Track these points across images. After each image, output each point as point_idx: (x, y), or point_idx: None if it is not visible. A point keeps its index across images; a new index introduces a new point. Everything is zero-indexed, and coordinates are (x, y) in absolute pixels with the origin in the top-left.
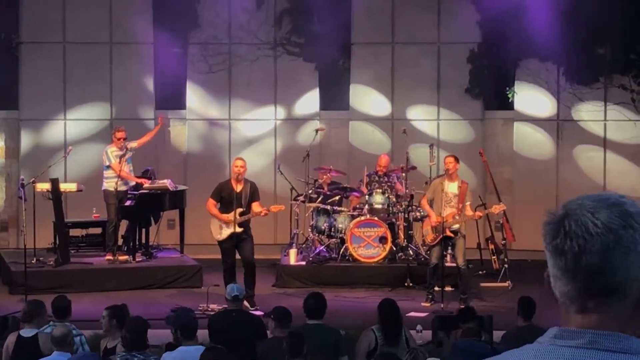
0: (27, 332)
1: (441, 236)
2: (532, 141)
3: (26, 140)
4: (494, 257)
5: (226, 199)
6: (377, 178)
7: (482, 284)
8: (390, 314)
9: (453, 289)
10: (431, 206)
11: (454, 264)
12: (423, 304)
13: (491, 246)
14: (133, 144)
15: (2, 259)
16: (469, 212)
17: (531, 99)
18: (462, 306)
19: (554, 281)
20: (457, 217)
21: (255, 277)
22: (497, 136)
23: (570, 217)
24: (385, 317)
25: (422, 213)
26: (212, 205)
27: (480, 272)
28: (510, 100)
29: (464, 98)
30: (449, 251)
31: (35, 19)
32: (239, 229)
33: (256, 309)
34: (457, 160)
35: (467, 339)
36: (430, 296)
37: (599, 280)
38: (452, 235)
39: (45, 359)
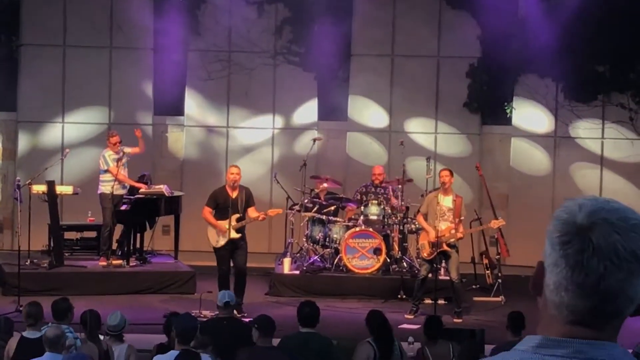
0: (31, 333)
1: (437, 251)
2: (529, 157)
3: (23, 142)
4: (487, 271)
5: (222, 205)
6: (373, 189)
7: (475, 299)
8: (380, 325)
9: (446, 302)
10: (426, 220)
11: (447, 277)
12: (406, 315)
13: (485, 261)
14: (127, 150)
15: None
16: (459, 232)
17: (529, 114)
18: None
19: (555, 290)
20: (453, 232)
21: (245, 285)
22: (494, 151)
23: (598, 233)
24: (376, 328)
25: (417, 226)
26: (208, 212)
27: (473, 287)
28: (508, 116)
29: (462, 112)
30: (443, 265)
31: (35, 22)
32: (236, 235)
33: (243, 316)
34: (452, 173)
35: None
36: (415, 308)
37: (613, 303)
38: (448, 249)
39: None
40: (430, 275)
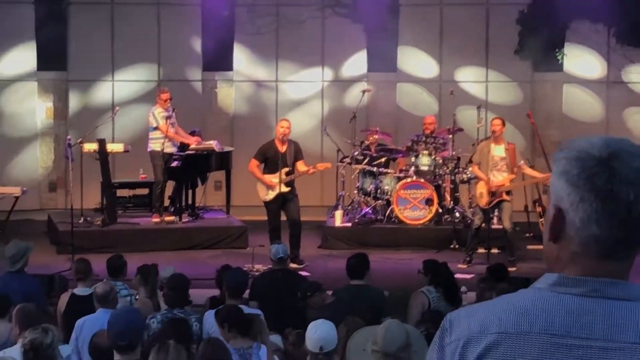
0: (81, 290)
1: (497, 200)
2: (581, 103)
3: (74, 101)
4: (541, 219)
5: (271, 159)
6: (424, 139)
7: (529, 247)
8: (443, 272)
9: (499, 251)
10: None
11: (500, 227)
12: (460, 265)
13: (538, 209)
14: (184, 138)
15: (50, 219)
16: (532, 172)
17: (581, 60)
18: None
19: (584, 226)
20: (514, 181)
21: (300, 237)
22: (546, 98)
23: (619, 162)
24: (440, 275)
25: (468, 175)
26: (254, 166)
27: (527, 235)
28: (559, 62)
29: (513, 59)
30: (496, 214)
31: None
32: (285, 189)
33: (306, 267)
34: (503, 123)
35: None
36: (468, 258)
37: None
38: (507, 199)
39: (90, 316)
40: (483, 224)
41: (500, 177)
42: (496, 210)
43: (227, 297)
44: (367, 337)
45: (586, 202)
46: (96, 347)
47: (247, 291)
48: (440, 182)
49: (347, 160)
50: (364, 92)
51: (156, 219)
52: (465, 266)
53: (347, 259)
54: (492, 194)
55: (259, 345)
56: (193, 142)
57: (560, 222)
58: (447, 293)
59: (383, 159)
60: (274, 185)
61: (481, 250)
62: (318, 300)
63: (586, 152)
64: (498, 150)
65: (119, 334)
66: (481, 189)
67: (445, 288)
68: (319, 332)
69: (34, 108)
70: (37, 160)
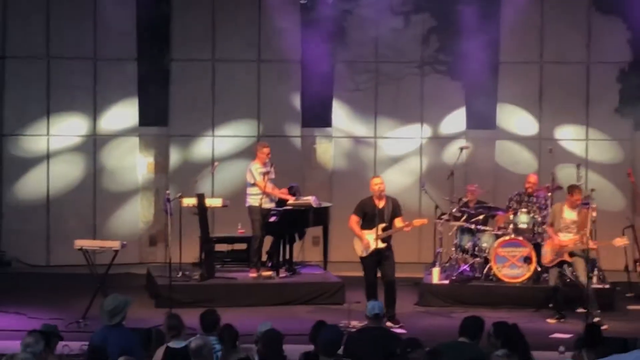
0: (176, 343)
1: (558, 260)
2: None
3: (175, 156)
4: None
5: (369, 215)
6: (526, 198)
7: (630, 307)
8: (513, 335)
9: (599, 310)
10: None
11: (600, 286)
12: (549, 320)
13: (639, 269)
14: (277, 192)
15: (149, 272)
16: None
17: None
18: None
19: None
20: (578, 244)
21: (395, 295)
22: None
23: None
24: (510, 338)
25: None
26: (354, 222)
27: (628, 295)
28: None
29: (614, 118)
30: (595, 272)
31: (185, 37)
32: (382, 245)
33: (401, 327)
34: (581, 192)
35: None
36: (558, 315)
37: None
38: (569, 260)
39: None
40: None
41: (566, 239)
42: (595, 268)
43: (320, 355)
44: None
45: None
46: None
47: (342, 347)
48: (539, 240)
49: (445, 217)
50: (462, 149)
51: (254, 274)
52: (554, 321)
53: (463, 318)
54: (555, 253)
55: None
56: (290, 198)
57: None
58: (520, 355)
59: (481, 216)
60: (368, 245)
61: (580, 310)
62: (418, 356)
63: None
64: (570, 214)
65: None
66: (547, 247)
67: (517, 351)
68: None
69: (136, 163)
70: (137, 214)
